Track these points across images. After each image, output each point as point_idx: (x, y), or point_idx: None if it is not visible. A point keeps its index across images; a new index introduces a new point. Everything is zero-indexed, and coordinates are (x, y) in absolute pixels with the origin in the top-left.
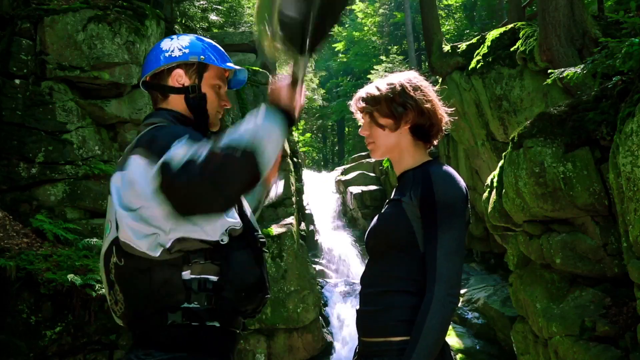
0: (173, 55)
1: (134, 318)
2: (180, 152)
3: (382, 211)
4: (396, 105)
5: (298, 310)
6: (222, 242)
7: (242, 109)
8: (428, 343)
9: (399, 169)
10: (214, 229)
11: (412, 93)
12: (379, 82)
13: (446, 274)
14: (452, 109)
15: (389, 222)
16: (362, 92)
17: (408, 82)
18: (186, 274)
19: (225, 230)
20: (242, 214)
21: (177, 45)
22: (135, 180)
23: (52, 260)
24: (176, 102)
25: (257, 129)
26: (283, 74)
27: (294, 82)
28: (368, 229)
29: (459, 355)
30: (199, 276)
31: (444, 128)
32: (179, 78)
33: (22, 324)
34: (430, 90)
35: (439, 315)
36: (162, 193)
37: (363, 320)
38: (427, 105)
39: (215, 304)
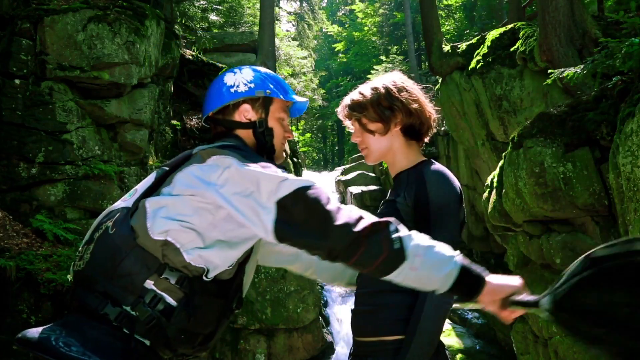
0: (239, 91)
1: (81, 284)
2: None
3: (378, 211)
4: (383, 109)
5: (298, 310)
6: (205, 278)
7: None
8: (423, 342)
9: (394, 170)
10: (217, 261)
11: (397, 95)
12: (363, 88)
13: None
14: (438, 107)
15: None
16: (347, 100)
17: (392, 84)
18: (150, 283)
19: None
20: (241, 269)
21: (241, 80)
22: (216, 181)
23: (52, 260)
24: (243, 136)
25: (434, 253)
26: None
27: (517, 305)
28: None
29: (458, 355)
30: (157, 291)
31: (434, 125)
32: (246, 113)
33: (22, 324)
34: (415, 90)
35: (433, 316)
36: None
37: (357, 320)
38: (414, 105)
39: (151, 327)
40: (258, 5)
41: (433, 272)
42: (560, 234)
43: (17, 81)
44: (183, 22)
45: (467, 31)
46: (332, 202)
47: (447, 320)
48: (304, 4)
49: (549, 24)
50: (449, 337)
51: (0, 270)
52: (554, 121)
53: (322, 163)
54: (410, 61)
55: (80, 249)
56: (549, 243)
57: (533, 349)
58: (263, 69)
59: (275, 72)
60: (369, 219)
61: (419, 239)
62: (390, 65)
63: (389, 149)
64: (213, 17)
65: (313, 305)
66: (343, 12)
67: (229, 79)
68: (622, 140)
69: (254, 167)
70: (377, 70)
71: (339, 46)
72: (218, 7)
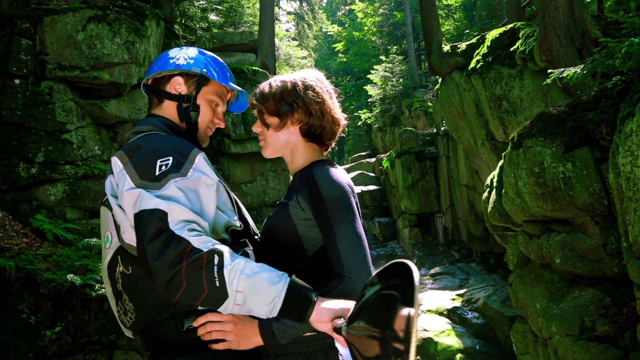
0: (177, 63)
1: (147, 327)
2: (176, 214)
3: (271, 214)
4: (283, 104)
5: None
6: (225, 242)
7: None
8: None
9: (291, 169)
10: (217, 228)
11: (301, 92)
12: (274, 80)
13: (355, 267)
14: (347, 115)
15: (275, 226)
16: (257, 88)
17: (301, 81)
18: None
19: (227, 230)
20: (241, 217)
21: (183, 54)
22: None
23: (52, 260)
24: (169, 110)
25: (257, 286)
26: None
27: (338, 332)
28: (260, 234)
29: (458, 355)
30: None
31: (339, 131)
32: (177, 86)
33: (22, 324)
34: (325, 92)
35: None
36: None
37: None
38: (315, 107)
39: None
40: (258, 5)
41: (257, 304)
42: (560, 234)
43: (17, 81)
44: (183, 22)
45: (467, 31)
46: (165, 231)
47: (447, 320)
48: (304, 4)
49: (548, 24)
50: (449, 337)
51: (0, 270)
52: (554, 121)
53: None
54: (410, 61)
55: (115, 307)
56: (549, 243)
57: (533, 349)
58: (210, 53)
59: (275, 72)
60: (193, 253)
61: (243, 271)
62: (390, 65)
63: (285, 145)
64: (213, 17)
65: None
66: (343, 12)
67: (173, 52)
68: (622, 140)
69: (137, 175)
70: (376, 70)
71: (339, 46)
72: (218, 7)
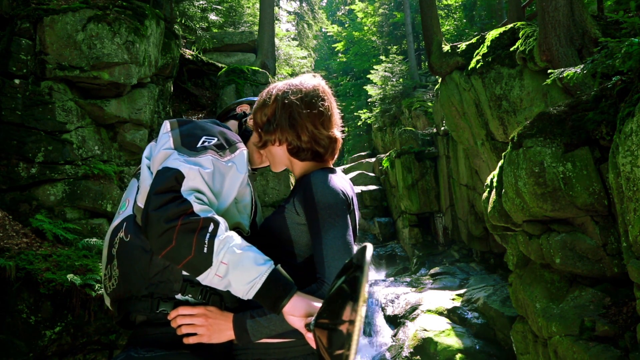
0: (246, 97)
1: (124, 297)
2: (192, 181)
3: (268, 216)
4: (261, 126)
5: None
6: None
7: None
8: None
9: (295, 175)
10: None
11: (280, 109)
12: (267, 96)
13: (335, 273)
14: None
15: (269, 228)
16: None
17: (282, 100)
18: None
19: (233, 229)
20: (253, 225)
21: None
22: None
23: (52, 260)
24: (231, 126)
25: (242, 263)
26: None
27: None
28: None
29: (458, 355)
30: None
31: (335, 147)
32: (244, 109)
33: (22, 323)
34: (301, 112)
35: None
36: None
37: None
38: (284, 132)
39: (208, 300)
40: (258, 5)
41: (237, 280)
42: (560, 234)
43: (16, 81)
44: (183, 21)
45: (467, 31)
46: (174, 191)
47: (447, 320)
48: (304, 4)
49: (548, 24)
50: (449, 337)
51: (0, 270)
52: (554, 121)
53: None
54: (410, 61)
55: (104, 271)
56: (549, 243)
57: (533, 349)
58: None
59: (275, 72)
60: (191, 216)
61: (233, 245)
62: (390, 65)
63: (282, 161)
64: (213, 16)
65: None
66: (343, 11)
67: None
68: (622, 140)
69: (177, 137)
70: (376, 70)
71: (339, 46)
72: (218, 7)
